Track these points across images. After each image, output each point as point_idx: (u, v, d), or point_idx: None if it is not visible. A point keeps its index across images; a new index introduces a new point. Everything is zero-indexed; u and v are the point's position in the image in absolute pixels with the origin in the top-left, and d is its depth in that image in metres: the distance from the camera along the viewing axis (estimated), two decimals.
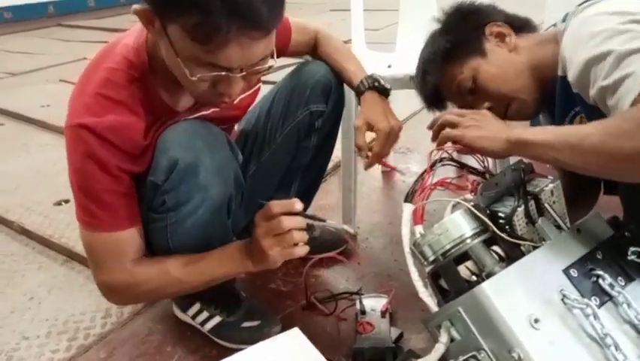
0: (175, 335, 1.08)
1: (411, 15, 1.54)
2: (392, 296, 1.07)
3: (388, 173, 1.78)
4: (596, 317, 0.66)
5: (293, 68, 1.12)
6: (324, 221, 1.08)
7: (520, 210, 0.79)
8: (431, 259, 0.78)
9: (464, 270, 0.75)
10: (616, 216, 0.87)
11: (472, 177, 0.88)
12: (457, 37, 0.95)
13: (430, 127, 0.92)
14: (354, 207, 1.40)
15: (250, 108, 1.08)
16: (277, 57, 0.80)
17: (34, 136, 2.29)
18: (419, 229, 0.89)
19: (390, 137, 0.99)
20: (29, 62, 3.68)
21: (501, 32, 0.94)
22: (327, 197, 1.60)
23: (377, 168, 1.79)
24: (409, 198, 0.86)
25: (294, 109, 1.07)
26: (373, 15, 4.11)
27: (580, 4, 0.84)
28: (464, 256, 0.75)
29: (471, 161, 0.92)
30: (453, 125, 0.86)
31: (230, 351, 0.96)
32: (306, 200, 1.26)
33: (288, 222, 0.83)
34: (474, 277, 0.73)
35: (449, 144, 0.87)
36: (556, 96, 0.88)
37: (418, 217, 0.89)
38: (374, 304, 1.05)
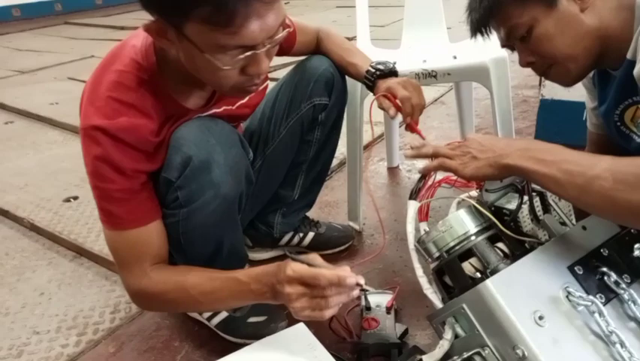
0: (182, 330, 1.09)
1: (416, 11, 1.53)
2: (397, 292, 1.07)
3: (394, 170, 1.78)
4: (601, 314, 0.66)
5: (296, 63, 1.13)
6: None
7: (525, 206, 0.79)
8: (435, 255, 0.79)
9: (469, 267, 0.75)
10: None
11: None
12: None
13: (409, 151, 0.88)
14: (359, 203, 1.41)
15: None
16: (282, 56, 0.81)
17: (43, 133, 2.31)
18: (424, 225, 0.90)
19: (408, 85, 0.98)
20: (37, 60, 3.71)
21: None
22: (333, 193, 1.61)
23: (382, 164, 1.79)
24: (413, 195, 0.87)
25: (297, 103, 1.08)
26: (380, 11, 4.11)
27: None
28: (469, 253, 0.76)
29: None
30: (447, 157, 0.81)
31: (237, 346, 0.97)
32: (311, 195, 1.27)
33: (334, 298, 0.77)
34: (478, 274, 0.74)
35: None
36: (617, 78, 0.83)
37: (422, 214, 0.90)
38: (379, 300, 1.06)
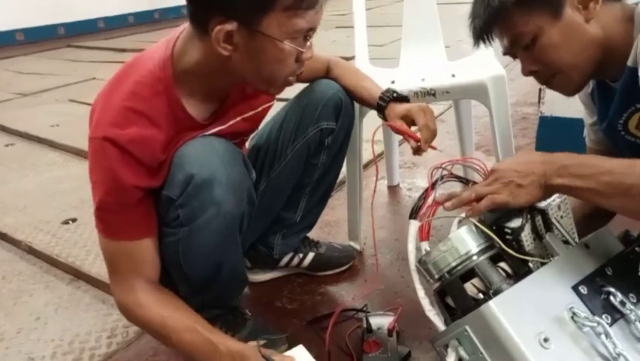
0: (180, 354, 1.07)
1: (414, 31, 1.54)
2: (399, 314, 1.05)
3: (394, 188, 1.77)
4: (607, 335, 0.64)
5: (305, 86, 1.13)
6: None
7: (527, 225, 0.78)
8: (437, 276, 0.77)
9: (471, 287, 0.74)
10: (628, 231, 0.85)
11: None
12: None
13: (448, 203, 0.83)
14: (360, 223, 1.39)
15: (262, 124, 1.09)
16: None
17: (43, 155, 2.32)
18: (425, 245, 0.88)
19: (427, 111, 1.01)
20: (40, 82, 3.74)
21: None
22: (333, 213, 1.60)
23: (383, 183, 1.78)
24: (414, 214, 0.86)
25: (305, 126, 1.08)
26: (378, 31, 4.15)
27: None
28: (471, 273, 0.74)
29: (475, 177, 0.91)
30: (492, 193, 0.78)
31: None
32: (313, 217, 1.26)
33: None
34: (481, 295, 0.72)
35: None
36: (620, 86, 0.84)
37: (423, 234, 0.88)
38: (381, 322, 1.03)
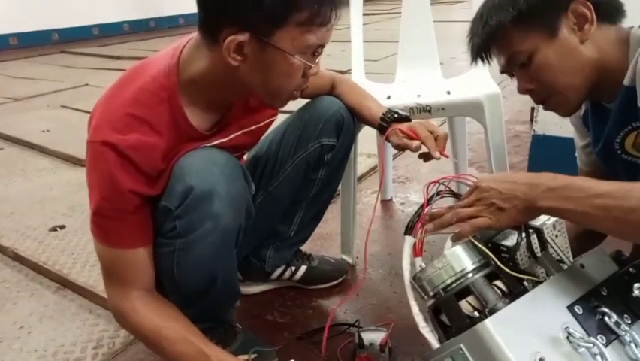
0: None
1: (410, 47, 1.56)
2: (392, 330, 1.04)
3: (387, 202, 1.77)
4: (603, 356, 0.64)
5: (307, 101, 1.13)
6: None
7: (523, 244, 0.78)
8: (432, 293, 0.76)
9: (466, 305, 0.73)
10: (620, 251, 0.85)
11: None
12: (537, 2, 0.81)
13: (429, 224, 0.82)
14: (353, 237, 1.39)
15: (262, 137, 1.09)
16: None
17: (32, 161, 2.29)
18: (419, 261, 0.87)
19: (429, 125, 0.99)
20: (32, 87, 3.71)
21: (584, 15, 0.81)
22: (326, 225, 1.58)
23: (377, 197, 1.78)
24: (408, 230, 0.85)
25: (305, 141, 1.08)
26: (373, 46, 4.19)
27: None
28: (466, 291, 0.74)
29: None
30: (472, 217, 0.77)
31: None
32: (307, 232, 1.25)
33: None
34: (476, 313, 0.71)
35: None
36: (616, 106, 0.84)
37: (417, 250, 0.87)
38: (373, 337, 1.02)
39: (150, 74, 0.84)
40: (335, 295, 1.26)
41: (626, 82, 0.79)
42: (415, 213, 0.87)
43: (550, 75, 0.83)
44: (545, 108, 0.89)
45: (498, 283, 0.75)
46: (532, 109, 2.25)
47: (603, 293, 0.73)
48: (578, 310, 0.69)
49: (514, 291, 0.73)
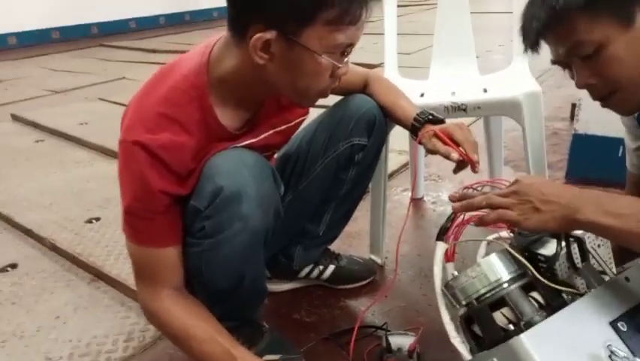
0: None
1: (446, 41, 1.51)
2: (420, 334, 1.02)
3: (418, 201, 1.73)
4: None
5: (338, 99, 1.11)
6: None
7: (562, 253, 0.74)
8: (464, 302, 0.74)
9: (500, 317, 0.70)
10: None
11: None
12: None
13: (457, 203, 0.79)
14: (382, 236, 1.36)
15: (293, 136, 1.07)
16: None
17: (70, 153, 2.36)
18: (450, 266, 0.85)
19: (463, 127, 0.95)
20: (71, 80, 3.83)
21: None
22: (355, 224, 1.56)
23: (407, 195, 1.75)
24: (441, 235, 0.83)
25: (336, 140, 1.06)
26: (406, 39, 4.11)
27: None
28: (500, 302, 0.71)
29: None
30: (504, 207, 0.73)
31: None
32: (336, 231, 1.24)
33: None
34: (511, 326, 0.68)
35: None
36: None
37: (449, 254, 0.85)
38: (401, 342, 1.00)
39: (181, 73, 0.84)
40: (363, 295, 1.24)
41: None
42: (448, 218, 0.85)
43: (620, 70, 0.74)
44: (604, 105, 0.81)
45: (535, 294, 0.72)
46: (573, 106, 2.16)
47: None
48: (622, 326, 0.66)
49: (553, 304, 0.70)
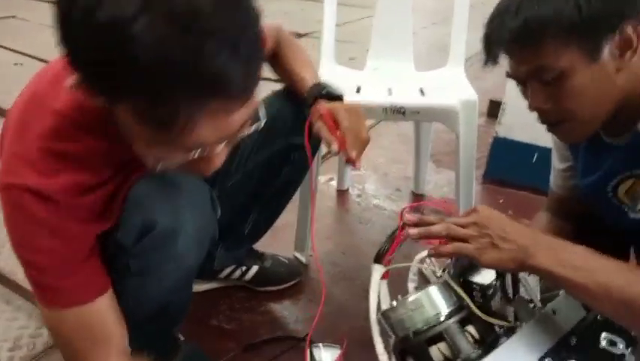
0: None
1: (384, 34, 1.45)
2: (346, 347, 0.99)
3: (343, 193, 1.70)
4: None
5: (277, 90, 1.00)
6: None
7: (497, 283, 0.74)
8: (401, 335, 0.71)
9: (436, 353, 0.69)
10: None
11: None
12: (591, 15, 0.68)
13: (414, 230, 0.75)
14: (308, 233, 1.31)
15: None
16: None
17: None
18: (384, 285, 0.82)
19: (354, 113, 0.83)
20: None
21: (630, 41, 0.70)
22: (281, 216, 1.50)
23: (332, 185, 1.71)
24: (379, 258, 0.79)
25: (271, 138, 0.97)
26: (340, 9, 3.99)
27: None
28: (437, 337, 0.69)
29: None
30: (461, 239, 0.71)
31: None
32: (260, 232, 1.16)
33: None
34: None
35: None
36: (622, 149, 0.77)
37: (385, 275, 0.82)
38: (325, 355, 0.97)
39: (69, 92, 0.55)
40: (287, 298, 1.20)
41: None
42: (388, 238, 0.81)
43: (578, 102, 0.72)
44: (550, 130, 0.80)
45: (470, 328, 0.71)
46: (492, 102, 2.24)
47: (572, 343, 0.71)
48: None
49: (486, 337, 0.70)
